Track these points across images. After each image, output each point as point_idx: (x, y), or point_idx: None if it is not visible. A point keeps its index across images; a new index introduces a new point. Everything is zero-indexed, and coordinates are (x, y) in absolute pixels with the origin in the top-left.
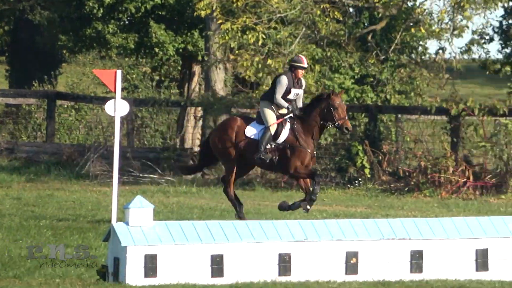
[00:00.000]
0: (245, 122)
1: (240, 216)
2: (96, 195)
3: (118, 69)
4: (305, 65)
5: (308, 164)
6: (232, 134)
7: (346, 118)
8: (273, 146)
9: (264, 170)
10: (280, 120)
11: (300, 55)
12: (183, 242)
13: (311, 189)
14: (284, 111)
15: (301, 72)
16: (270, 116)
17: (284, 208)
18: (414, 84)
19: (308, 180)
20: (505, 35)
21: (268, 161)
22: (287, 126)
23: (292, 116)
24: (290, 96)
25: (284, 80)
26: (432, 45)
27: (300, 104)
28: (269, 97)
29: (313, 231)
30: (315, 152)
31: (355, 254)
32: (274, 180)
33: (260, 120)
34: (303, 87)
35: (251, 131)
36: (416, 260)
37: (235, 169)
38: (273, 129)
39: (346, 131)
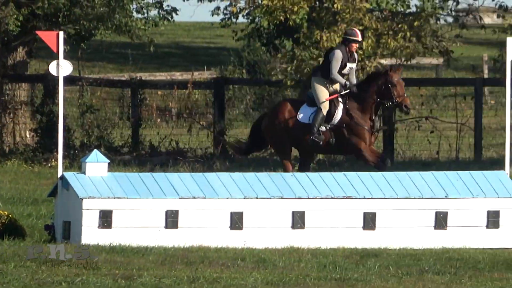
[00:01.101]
0: (295, 105)
1: None
2: None
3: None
4: (359, 39)
5: (371, 142)
6: (282, 119)
7: (406, 95)
8: (328, 127)
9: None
10: (334, 96)
11: (353, 28)
12: (135, 197)
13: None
14: (337, 87)
15: (355, 46)
16: (323, 93)
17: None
18: None
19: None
20: None
21: (321, 143)
22: (340, 105)
23: (349, 93)
24: (345, 71)
25: (338, 54)
26: None
27: (353, 79)
28: (322, 73)
29: (262, 189)
30: (374, 131)
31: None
32: None
33: (311, 102)
34: (356, 61)
35: (302, 114)
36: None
37: (290, 158)
38: (325, 110)
39: (405, 109)
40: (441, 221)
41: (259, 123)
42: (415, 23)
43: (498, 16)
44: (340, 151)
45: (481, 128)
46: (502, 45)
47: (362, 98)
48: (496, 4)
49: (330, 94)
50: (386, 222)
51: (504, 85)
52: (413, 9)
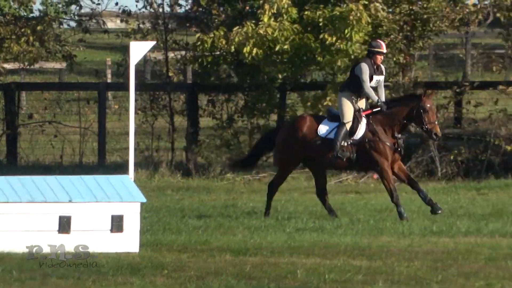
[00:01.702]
0: (316, 121)
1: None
2: None
3: None
4: (384, 50)
5: (393, 159)
6: (300, 135)
7: (436, 122)
8: (349, 142)
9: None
10: (368, 111)
11: (378, 40)
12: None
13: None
14: (362, 104)
15: (380, 58)
16: (349, 110)
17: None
18: None
19: (402, 171)
20: None
21: (344, 159)
22: (364, 120)
23: (378, 111)
24: (372, 84)
25: (365, 68)
26: None
27: (382, 93)
28: (351, 88)
29: None
30: (398, 148)
31: None
32: None
33: (332, 118)
34: (383, 74)
35: (323, 129)
36: None
37: (287, 177)
38: (349, 125)
39: (434, 137)
40: (65, 225)
41: (272, 136)
42: (38, 27)
43: (121, 21)
44: (361, 167)
45: (105, 132)
46: (126, 49)
47: (389, 117)
48: (119, 9)
49: (355, 111)
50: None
51: (128, 90)
52: (37, 13)
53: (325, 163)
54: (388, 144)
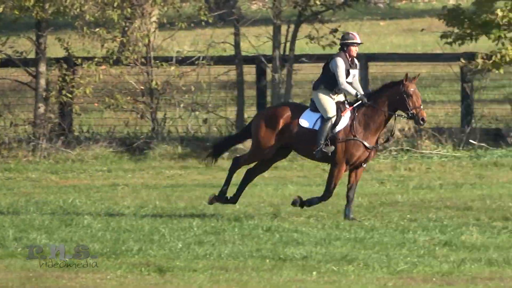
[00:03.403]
0: (297, 111)
1: (220, 196)
2: None
3: None
4: (359, 41)
5: (363, 158)
6: (280, 124)
7: (421, 107)
8: (329, 135)
9: None
10: (350, 108)
11: (350, 32)
12: None
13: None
14: (340, 98)
15: (355, 50)
16: (330, 106)
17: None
18: None
19: (356, 181)
20: None
21: (330, 154)
22: (347, 114)
23: (359, 104)
24: (349, 79)
25: (341, 62)
26: None
27: (359, 87)
28: (325, 84)
29: None
30: (377, 145)
31: None
32: None
33: (315, 108)
34: (358, 67)
35: (305, 120)
36: None
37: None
38: (333, 119)
39: (421, 122)
40: None
41: (250, 122)
42: None
43: None
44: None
45: None
46: None
47: (374, 110)
48: None
49: (338, 103)
50: None
51: None
52: None
53: (305, 154)
54: (364, 143)
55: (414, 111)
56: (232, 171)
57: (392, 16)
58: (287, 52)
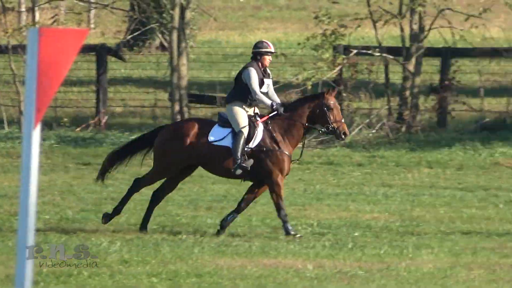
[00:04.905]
0: (205, 126)
1: (113, 215)
2: None
3: None
4: (273, 50)
5: (288, 171)
6: (186, 142)
7: (343, 120)
8: (246, 150)
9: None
10: (266, 117)
11: (263, 40)
12: None
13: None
14: (251, 111)
15: (268, 59)
16: (242, 116)
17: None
18: None
19: (254, 196)
20: None
21: (249, 168)
22: (260, 126)
23: (275, 114)
24: (263, 89)
25: (254, 73)
26: None
27: (276, 97)
28: (238, 97)
29: None
30: (295, 159)
31: None
32: None
33: (224, 123)
34: (271, 76)
35: (214, 137)
36: None
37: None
38: (246, 132)
39: (343, 137)
40: None
41: (151, 137)
42: None
43: None
44: (256, 176)
45: None
46: None
47: (290, 121)
48: None
49: (250, 117)
50: None
51: None
52: None
53: (221, 172)
54: (286, 153)
55: (335, 124)
56: (131, 192)
57: None
58: None
